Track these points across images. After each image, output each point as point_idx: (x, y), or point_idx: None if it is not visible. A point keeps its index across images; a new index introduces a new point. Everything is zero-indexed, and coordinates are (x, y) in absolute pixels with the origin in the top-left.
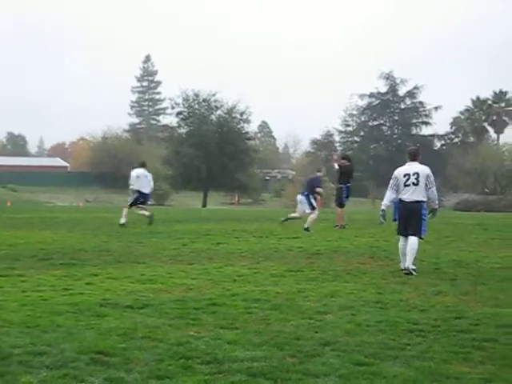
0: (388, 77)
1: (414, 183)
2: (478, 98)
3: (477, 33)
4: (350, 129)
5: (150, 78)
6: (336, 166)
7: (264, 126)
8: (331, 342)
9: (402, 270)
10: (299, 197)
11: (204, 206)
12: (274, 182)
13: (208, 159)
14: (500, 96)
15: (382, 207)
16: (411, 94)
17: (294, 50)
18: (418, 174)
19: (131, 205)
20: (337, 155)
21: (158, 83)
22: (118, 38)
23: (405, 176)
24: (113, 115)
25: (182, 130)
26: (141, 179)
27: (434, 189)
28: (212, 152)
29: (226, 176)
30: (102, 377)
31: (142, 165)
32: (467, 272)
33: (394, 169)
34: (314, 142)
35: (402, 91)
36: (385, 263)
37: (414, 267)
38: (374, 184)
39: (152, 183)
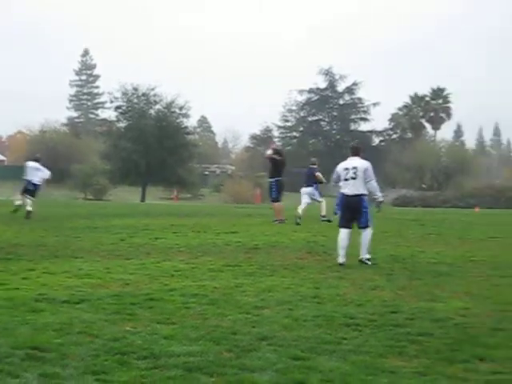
0: (327, 73)
1: (352, 177)
2: (415, 95)
3: (413, 29)
4: (289, 124)
5: (89, 72)
6: (269, 152)
7: (203, 120)
8: (268, 337)
9: (340, 264)
10: (305, 189)
11: (143, 200)
12: (213, 177)
13: (147, 154)
14: (437, 93)
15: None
16: (350, 90)
17: (232, 45)
18: (356, 168)
19: (23, 192)
20: (274, 144)
21: (97, 77)
22: (57, 31)
23: (345, 170)
24: (51, 109)
25: (121, 125)
26: (32, 170)
27: (372, 182)
28: (151, 146)
29: (165, 171)
30: (36, 372)
31: (36, 159)
32: (404, 267)
33: (333, 164)
34: (254, 137)
35: (340, 87)
36: (322, 258)
37: (368, 256)
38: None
39: (45, 175)
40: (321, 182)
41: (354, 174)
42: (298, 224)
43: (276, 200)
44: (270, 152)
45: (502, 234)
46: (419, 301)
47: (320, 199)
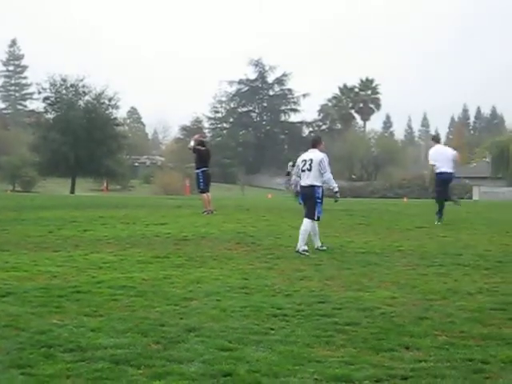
0: (257, 64)
1: (307, 169)
2: (345, 86)
3: (346, 19)
4: (219, 115)
5: (17, 63)
6: (192, 143)
7: (133, 111)
8: (196, 328)
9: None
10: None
11: (72, 192)
12: (143, 169)
13: (76, 145)
14: (366, 84)
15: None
16: (280, 81)
17: (164, 36)
18: (311, 160)
19: None
20: (202, 135)
21: (25, 68)
22: None
23: (302, 162)
24: None
25: (50, 116)
26: None
27: (326, 174)
28: (80, 138)
29: (94, 162)
30: None
31: None
32: (332, 257)
33: (263, 155)
34: (184, 129)
35: (270, 78)
36: (251, 249)
37: (305, 248)
38: (242, 170)
39: None
40: None
41: (309, 165)
42: None
43: (204, 191)
44: (192, 143)
45: (429, 224)
46: (347, 290)
47: None
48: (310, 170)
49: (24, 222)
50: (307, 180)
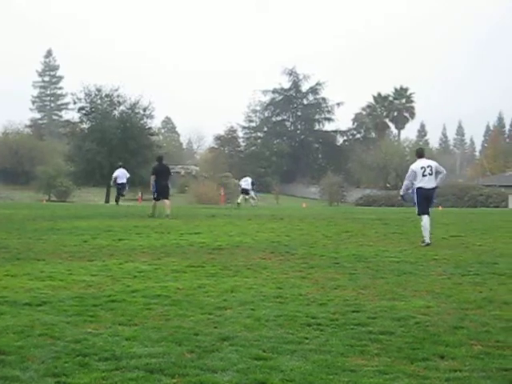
0: (291, 73)
1: (429, 173)
2: (379, 95)
3: (378, 29)
4: (254, 124)
5: (52, 73)
6: None
7: (168, 121)
8: (230, 337)
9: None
10: None
11: (107, 202)
12: (178, 178)
13: (110, 155)
14: (401, 92)
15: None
16: (314, 89)
17: (199, 46)
18: (430, 166)
19: None
20: None
21: (60, 78)
22: (19, 32)
23: (421, 169)
24: (14, 110)
25: (85, 126)
26: None
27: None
28: (114, 147)
29: (129, 172)
30: None
31: None
32: (366, 266)
33: (297, 164)
34: (218, 138)
35: (304, 87)
36: (285, 258)
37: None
38: (277, 179)
39: None
40: None
41: (431, 170)
42: None
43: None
44: None
45: (463, 233)
46: (381, 300)
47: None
48: (431, 174)
49: (59, 231)
50: (430, 183)
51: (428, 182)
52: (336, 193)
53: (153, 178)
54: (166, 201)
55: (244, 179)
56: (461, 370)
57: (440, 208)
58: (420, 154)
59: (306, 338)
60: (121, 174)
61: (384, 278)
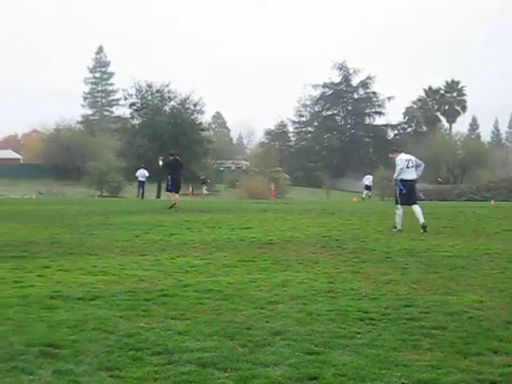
0: (341, 67)
1: (412, 166)
2: (430, 88)
3: (429, 22)
4: (304, 119)
5: (103, 69)
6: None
7: (218, 116)
8: (282, 332)
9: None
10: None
11: (158, 197)
12: (229, 173)
13: (161, 150)
14: (452, 85)
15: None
16: (364, 84)
17: (248, 40)
18: (411, 160)
19: None
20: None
21: (111, 74)
22: (70, 29)
23: (406, 161)
24: (66, 107)
25: (136, 121)
26: None
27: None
28: (165, 143)
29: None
30: (51, 369)
31: None
32: (418, 261)
33: (347, 159)
34: (268, 133)
35: (355, 81)
36: (336, 252)
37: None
38: (327, 174)
39: None
40: None
41: (412, 163)
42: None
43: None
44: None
45: None
46: (433, 294)
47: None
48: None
49: (111, 226)
50: (412, 175)
51: (410, 174)
52: (387, 187)
53: (167, 171)
54: (175, 194)
55: (367, 177)
56: None
57: (492, 202)
58: (397, 150)
59: (358, 333)
60: (141, 174)
61: (436, 273)
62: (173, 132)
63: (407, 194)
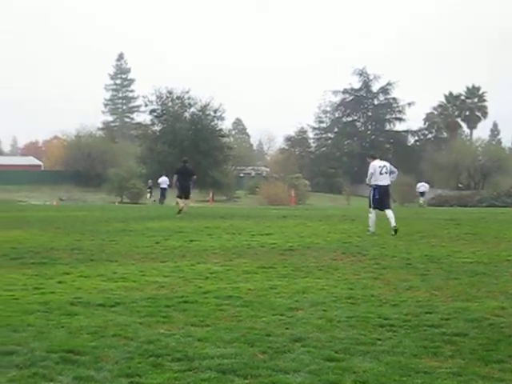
0: (361, 73)
1: (385, 172)
2: (450, 94)
3: (449, 28)
4: (324, 125)
5: (124, 76)
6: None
7: (238, 123)
8: (302, 338)
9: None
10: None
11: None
12: (249, 179)
13: (182, 156)
14: (473, 91)
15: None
16: (384, 90)
17: (268, 47)
18: (386, 166)
19: None
20: None
21: (132, 81)
22: (91, 36)
23: (379, 167)
24: (86, 113)
25: (156, 128)
26: None
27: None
28: (186, 149)
29: (200, 173)
30: (71, 375)
31: None
32: (439, 267)
33: (368, 165)
34: (288, 139)
35: (375, 87)
36: (357, 259)
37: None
38: (347, 180)
39: None
40: None
41: (386, 170)
42: None
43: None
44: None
45: None
46: (454, 301)
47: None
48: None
49: (131, 232)
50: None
51: (384, 180)
52: (408, 193)
53: (175, 177)
54: (186, 200)
55: (421, 183)
56: None
57: None
58: (374, 156)
59: (379, 340)
60: (162, 181)
61: (457, 279)
62: (193, 138)
63: (380, 198)
